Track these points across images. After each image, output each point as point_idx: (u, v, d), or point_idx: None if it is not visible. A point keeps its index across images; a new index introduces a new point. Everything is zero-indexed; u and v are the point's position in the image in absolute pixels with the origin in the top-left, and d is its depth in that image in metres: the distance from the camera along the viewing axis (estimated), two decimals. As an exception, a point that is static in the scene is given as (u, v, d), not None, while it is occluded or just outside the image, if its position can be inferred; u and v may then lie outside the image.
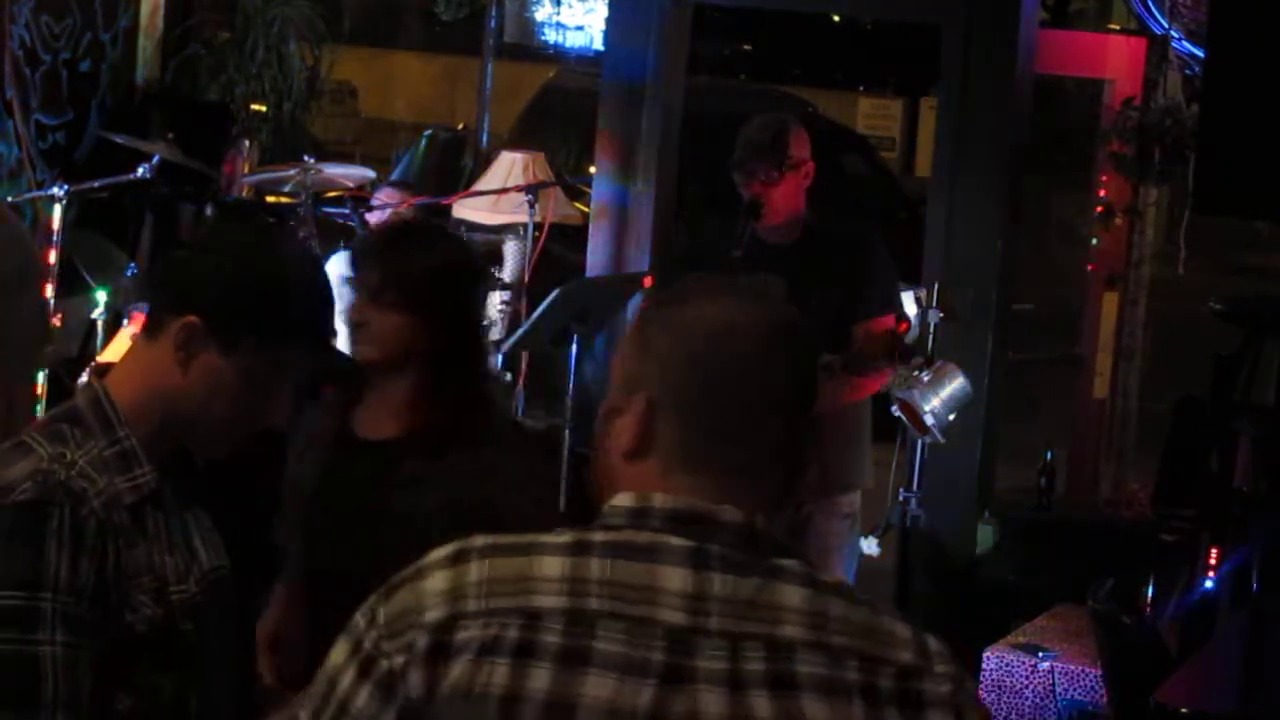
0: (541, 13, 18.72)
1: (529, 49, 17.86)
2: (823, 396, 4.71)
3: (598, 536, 1.76)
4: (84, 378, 5.93)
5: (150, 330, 2.39)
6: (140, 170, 6.40)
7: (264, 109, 8.03)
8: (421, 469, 3.12)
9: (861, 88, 20.68)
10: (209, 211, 7.49)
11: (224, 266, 2.38)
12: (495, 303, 6.99)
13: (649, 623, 1.70)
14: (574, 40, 18.45)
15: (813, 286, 4.80)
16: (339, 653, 1.78)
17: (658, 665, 1.69)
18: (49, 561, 2.20)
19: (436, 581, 1.75)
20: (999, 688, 5.49)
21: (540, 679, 1.68)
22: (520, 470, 3.23)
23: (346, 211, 7.41)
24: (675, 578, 1.72)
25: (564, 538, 1.76)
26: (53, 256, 6.29)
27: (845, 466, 4.91)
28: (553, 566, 1.73)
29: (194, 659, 2.35)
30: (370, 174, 7.10)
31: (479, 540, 1.78)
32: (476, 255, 3.24)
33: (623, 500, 1.78)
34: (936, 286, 6.51)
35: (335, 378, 2.84)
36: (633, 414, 1.82)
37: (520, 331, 6.26)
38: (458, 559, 1.76)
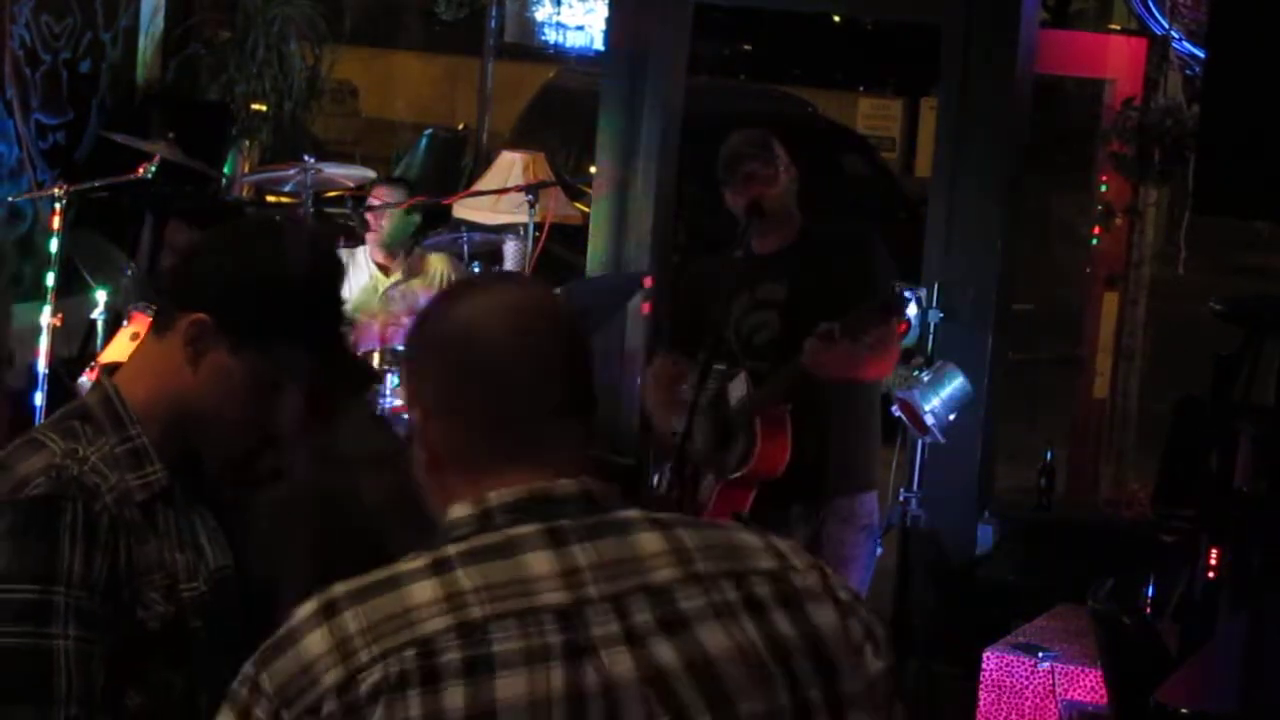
0: (541, 13, 18.72)
1: (529, 49, 17.86)
2: (825, 364, 4.71)
3: (451, 550, 1.76)
4: (84, 377, 5.94)
5: (159, 327, 2.39)
6: (140, 170, 6.41)
7: (264, 109, 8.03)
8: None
9: (861, 88, 20.68)
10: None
11: (233, 264, 2.38)
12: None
13: (534, 611, 1.72)
14: (574, 40, 18.45)
15: (811, 288, 4.81)
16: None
17: (557, 647, 1.70)
18: (62, 556, 2.22)
19: (316, 642, 1.72)
20: (999, 688, 5.50)
21: (455, 698, 1.68)
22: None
23: (347, 211, 7.42)
24: (541, 562, 1.74)
25: (419, 561, 1.76)
26: (53, 256, 6.28)
27: (860, 464, 4.93)
28: (424, 592, 1.73)
29: (204, 656, 2.36)
30: (370, 174, 7.10)
31: (339, 589, 1.75)
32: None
33: (460, 511, 1.79)
34: (936, 286, 6.54)
35: (347, 380, 2.84)
36: (417, 430, 1.86)
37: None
38: (328, 612, 1.74)
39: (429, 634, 1.70)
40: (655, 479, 5.17)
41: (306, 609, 1.75)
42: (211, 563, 2.43)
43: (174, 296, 2.40)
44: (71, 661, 2.19)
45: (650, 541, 1.78)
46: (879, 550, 6.23)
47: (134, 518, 2.31)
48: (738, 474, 4.77)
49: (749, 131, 4.96)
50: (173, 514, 2.38)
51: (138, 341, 2.46)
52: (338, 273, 2.48)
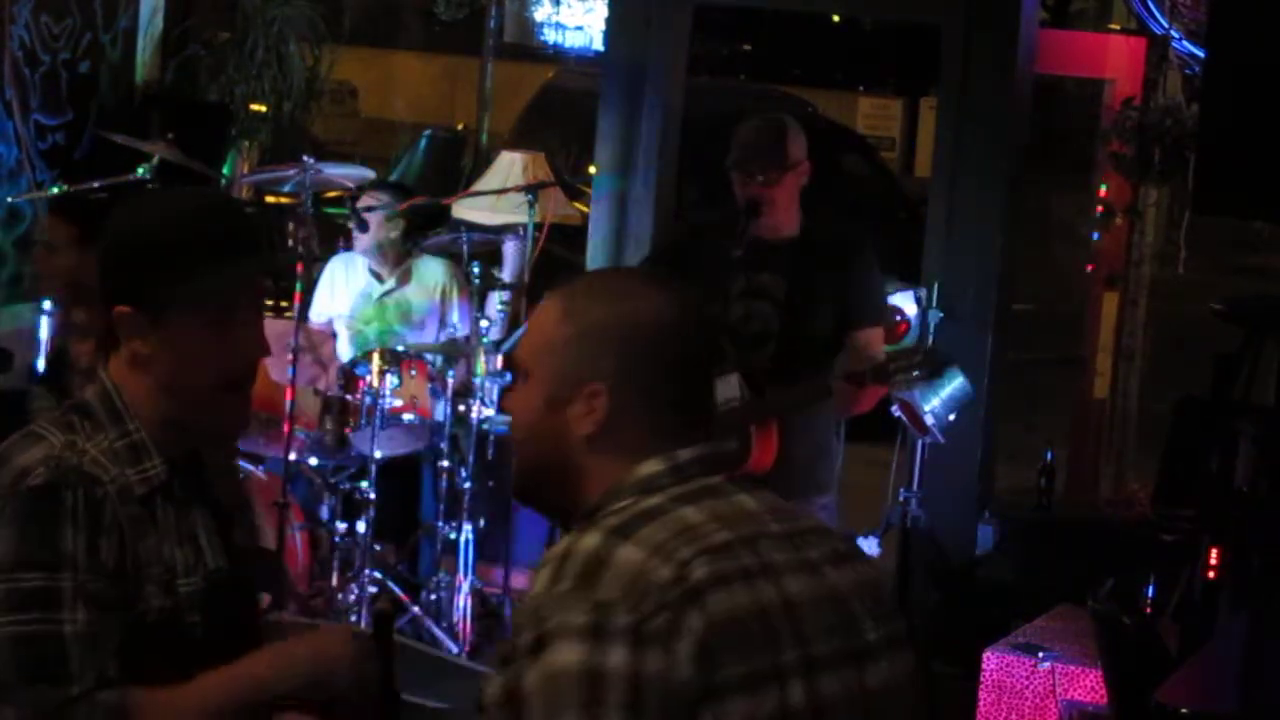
0: (541, 13, 18.71)
1: (529, 49, 17.85)
2: (850, 405, 4.76)
3: (664, 497, 2.04)
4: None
5: (109, 330, 2.43)
6: (140, 170, 6.40)
7: (264, 109, 8.02)
8: None
9: (861, 88, 20.68)
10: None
11: (112, 250, 2.42)
12: (495, 303, 7.00)
13: (770, 535, 2.05)
14: (574, 40, 18.44)
15: (809, 287, 4.81)
16: (572, 652, 1.90)
17: (795, 562, 2.04)
18: (66, 541, 2.25)
19: (631, 554, 1.96)
20: (999, 688, 5.49)
21: (767, 591, 1.98)
22: None
23: (346, 212, 7.41)
24: (747, 501, 2.08)
25: (651, 501, 2.03)
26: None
27: (818, 473, 4.95)
28: (691, 516, 2.01)
29: (200, 652, 2.38)
30: (370, 174, 7.09)
31: (611, 521, 2.00)
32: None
33: (653, 466, 2.06)
34: (936, 286, 6.54)
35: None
36: (591, 402, 2.08)
37: (520, 332, 6.26)
38: (620, 535, 1.98)
39: (720, 543, 2.00)
40: None
41: (587, 541, 1.98)
42: (210, 562, 2.45)
43: (100, 298, 2.43)
44: (83, 645, 2.23)
45: (765, 499, 2.12)
46: (878, 550, 6.23)
47: (134, 511, 2.33)
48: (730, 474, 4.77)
49: (765, 120, 4.93)
50: (172, 509, 2.40)
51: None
52: (212, 209, 2.47)
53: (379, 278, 6.76)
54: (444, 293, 6.75)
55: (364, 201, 6.76)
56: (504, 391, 6.20)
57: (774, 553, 2.03)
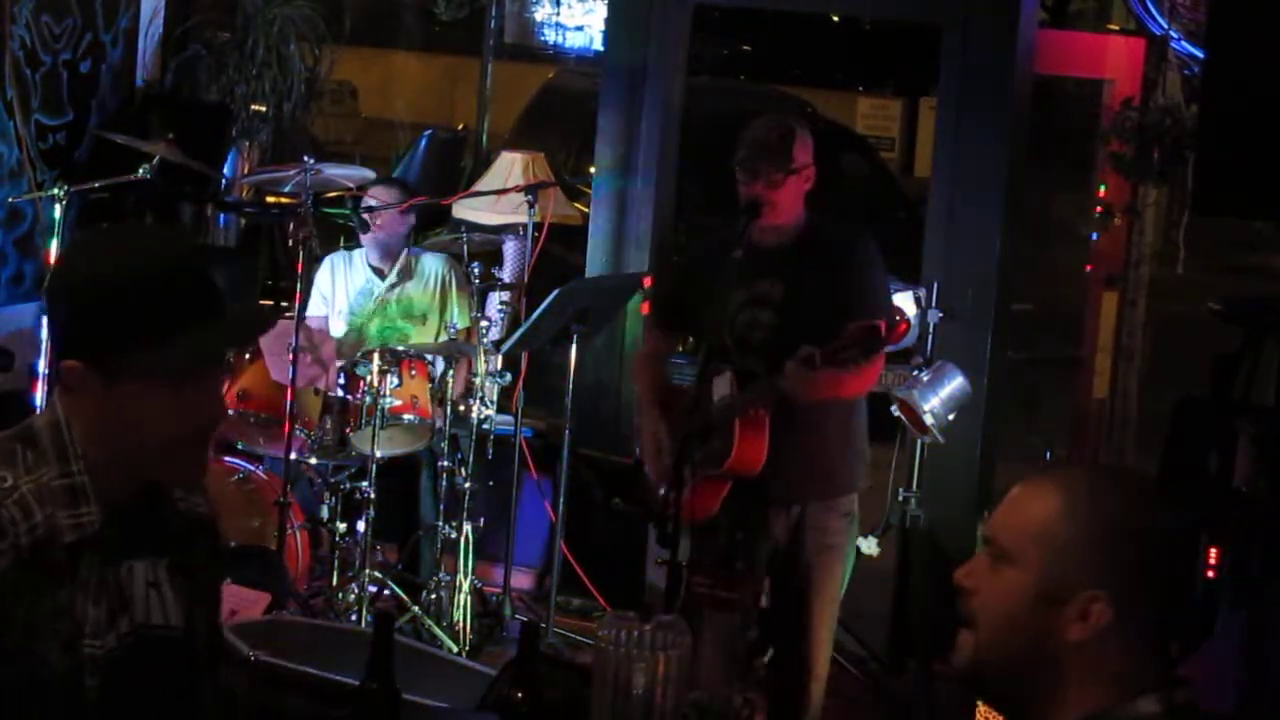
0: (541, 13, 18.71)
1: (529, 49, 17.85)
2: (803, 390, 4.67)
3: None
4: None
5: (58, 383, 2.31)
6: (140, 171, 6.40)
7: (264, 109, 8.03)
8: None
9: (861, 88, 20.67)
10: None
11: (66, 298, 2.28)
12: (495, 303, 7.00)
13: None
14: (574, 40, 18.43)
15: (810, 289, 4.80)
16: None
17: None
18: None
19: None
20: (999, 688, 5.49)
21: None
22: None
23: (346, 212, 7.41)
24: None
25: None
26: (53, 256, 6.29)
27: (843, 472, 4.90)
28: None
29: (96, 717, 2.26)
30: (370, 174, 7.09)
31: None
32: None
33: (1150, 706, 1.99)
34: (936, 286, 6.55)
35: (244, 335, 2.73)
36: (1089, 607, 2.00)
37: (520, 331, 6.26)
38: None
39: None
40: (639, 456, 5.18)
41: None
42: (137, 617, 2.33)
43: (55, 345, 2.32)
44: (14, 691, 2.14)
45: None
46: (878, 550, 6.23)
47: (54, 559, 2.22)
48: (714, 470, 4.76)
49: (774, 121, 4.92)
50: (98, 562, 2.27)
51: None
52: (162, 260, 2.32)
53: (380, 274, 6.76)
54: (444, 288, 6.75)
55: (372, 197, 6.76)
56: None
57: None
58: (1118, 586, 1.99)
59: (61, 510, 2.23)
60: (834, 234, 4.89)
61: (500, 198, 7.09)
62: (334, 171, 6.69)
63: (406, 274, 6.75)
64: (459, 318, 6.60)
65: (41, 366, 6.23)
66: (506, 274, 7.35)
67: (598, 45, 15.79)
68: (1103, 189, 7.78)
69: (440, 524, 6.36)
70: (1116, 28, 9.49)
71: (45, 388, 6.17)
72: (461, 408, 6.29)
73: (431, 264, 6.78)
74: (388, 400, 6.09)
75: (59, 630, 2.22)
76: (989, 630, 2.06)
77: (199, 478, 2.42)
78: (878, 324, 4.46)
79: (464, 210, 7.46)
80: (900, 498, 6.33)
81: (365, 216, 6.73)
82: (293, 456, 6.05)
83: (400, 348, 6.32)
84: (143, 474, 2.32)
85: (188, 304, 2.29)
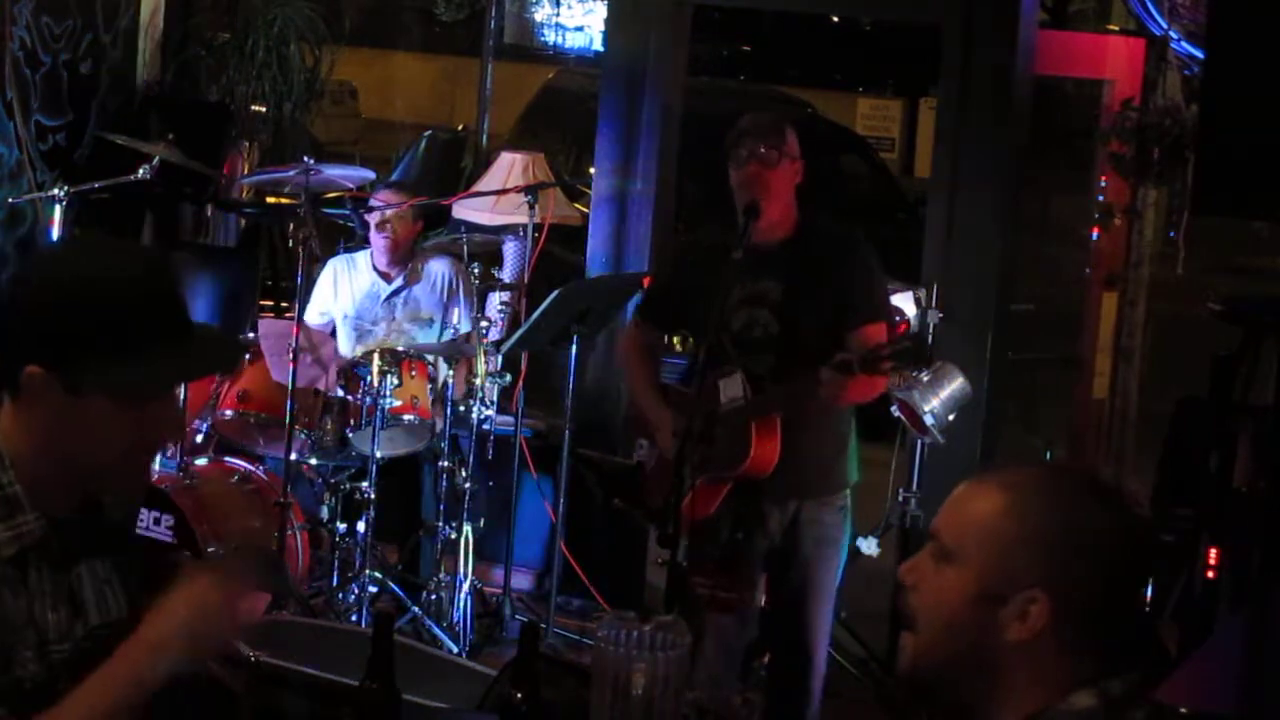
0: (541, 13, 18.72)
1: (529, 49, 17.86)
2: (838, 394, 4.68)
3: None
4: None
5: (6, 387, 2.27)
6: (140, 171, 6.40)
7: (264, 110, 8.03)
8: None
9: (861, 88, 20.69)
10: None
11: (36, 303, 2.24)
12: (495, 303, 7.00)
13: None
14: (574, 41, 18.45)
15: (806, 286, 4.81)
16: None
17: None
18: None
19: None
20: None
21: None
22: None
23: (346, 212, 7.41)
24: None
25: None
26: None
27: (836, 470, 4.93)
28: None
29: None
30: (370, 175, 7.09)
31: None
32: None
33: (1085, 700, 1.98)
34: (936, 287, 6.54)
35: (214, 365, 2.70)
36: (1027, 608, 1.99)
37: (520, 332, 6.26)
38: None
39: None
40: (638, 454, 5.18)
41: None
42: (93, 619, 2.32)
43: (9, 352, 2.25)
44: None
45: None
46: (877, 551, 6.24)
47: (3, 571, 2.20)
48: (728, 472, 4.77)
49: (763, 116, 4.95)
50: (47, 569, 2.25)
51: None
52: (128, 275, 2.30)
53: (386, 277, 6.76)
54: (449, 290, 6.75)
55: (380, 200, 6.76)
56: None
57: None
58: (1057, 587, 1.98)
59: None
60: (829, 234, 4.90)
61: (500, 198, 7.09)
62: (334, 172, 6.69)
63: (413, 277, 6.75)
64: (464, 323, 6.60)
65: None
66: (506, 274, 7.36)
67: (598, 45, 15.80)
68: (1103, 189, 7.78)
69: (440, 524, 6.36)
70: (1116, 28, 9.49)
71: None
72: (461, 408, 6.30)
73: (437, 267, 6.77)
74: (388, 400, 6.09)
75: (29, 638, 2.21)
76: (928, 630, 2.05)
77: (140, 491, 2.41)
78: (896, 329, 4.51)
79: (464, 210, 7.46)
80: (900, 498, 6.33)
81: (368, 219, 6.73)
82: (293, 457, 6.06)
83: (400, 348, 6.32)
84: (87, 484, 2.30)
85: (161, 322, 2.27)
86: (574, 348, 6.25)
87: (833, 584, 4.94)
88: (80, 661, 2.26)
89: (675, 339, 5.36)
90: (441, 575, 6.32)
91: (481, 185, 7.39)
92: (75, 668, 2.25)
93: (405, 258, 6.74)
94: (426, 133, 12.19)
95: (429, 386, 6.26)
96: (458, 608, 6.22)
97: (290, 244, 7.80)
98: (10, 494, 2.22)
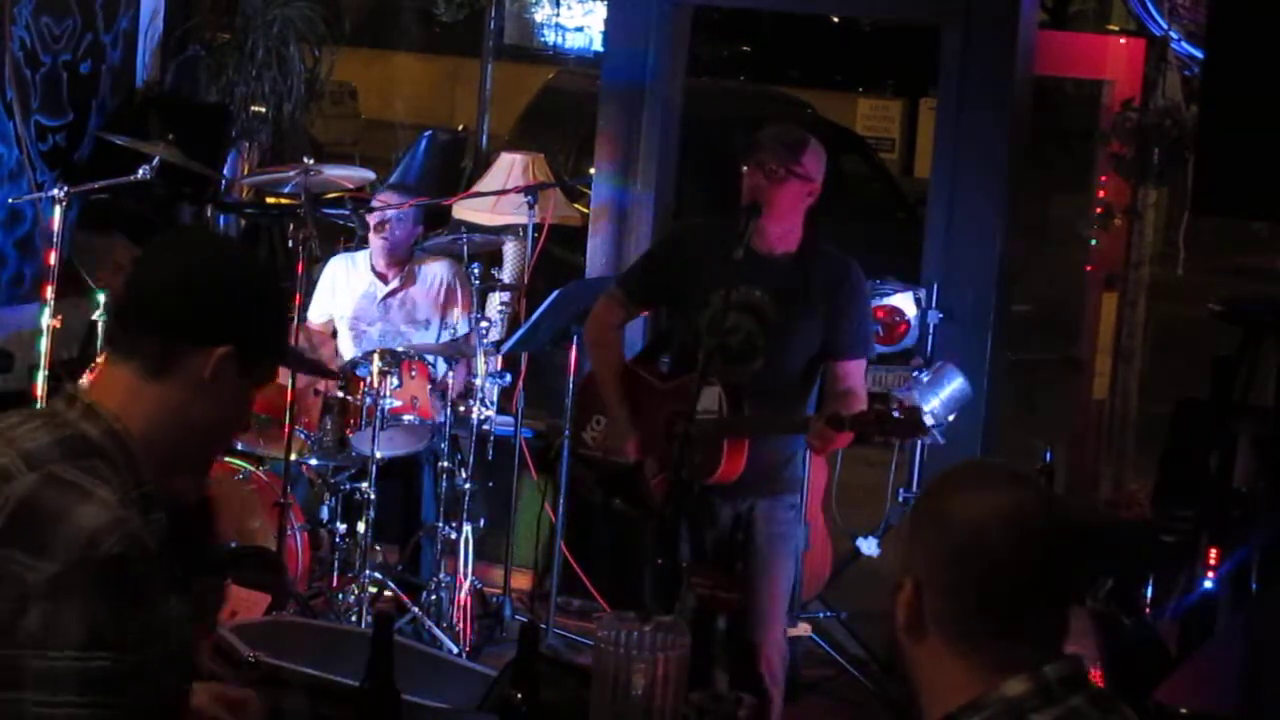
0: (541, 14, 18.73)
1: (529, 50, 17.87)
2: (823, 444, 4.73)
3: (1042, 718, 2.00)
4: (85, 379, 5.93)
5: (158, 369, 2.30)
6: (140, 172, 6.40)
7: (264, 110, 8.03)
8: None
9: (860, 89, 20.68)
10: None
11: (238, 287, 2.35)
12: (495, 303, 7.00)
13: None
14: (574, 41, 18.46)
15: (798, 308, 4.82)
16: None
17: None
18: (135, 620, 2.15)
19: None
20: (999, 688, 5.49)
21: None
22: None
23: (346, 213, 7.41)
24: None
25: None
26: (53, 257, 6.29)
27: (793, 471, 5.01)
28: None
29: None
30: (370, 175, 7.09)
31: None
32: None
33: (1018, 686, 2.00)
34: (935, 287, 6.55)
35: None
36: (904, 594, 2.06)
37: (520, 332, 6.26)
38: None
39: None
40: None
41: None
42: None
43: (178, 333, 2.30)
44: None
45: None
46: (878, 551, 6.24)
47: (157, 561, 2.24)
48: (697, 479, 4.80)
49: (794, 127, 4.95)
50: (171, 565, 2.30)
51: (116, 378, 2.33)
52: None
53: (383, 279, 6.76)
54: (447, 291, 6.75)
55: (381, 202, 6.76)
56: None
57: None
58: (924, 571, 2.04)
59: (141, 520, 2.24)
60: (829, 260, 4.91)
61: (500, 199, 7.09)
62: (334, 172, 6.68)
63: (410, 279, 6.75)
64: (462, 325, 6.60)
65: (41, 368, 6.23)
66: (506, 275, 7.35)
67: (598, 46, 15.80)
68: (1103, 189, 7.78)
69: (440, 525, 6.36)
70: (1116, 28, 9.50)
71: (45, 387, 6.18)
72: (461, 408, 6.30)
73: (435, 268, 6.77)
74: (388, 401, 6.09)
75: (186, 633, 2.30)
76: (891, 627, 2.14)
77: (193, 498, 2.45)
78: (902, 411, 4.58)
79: (464, 211, 7.46)
80: (900, 498, 6.33)
81: (368, 220, 6.73)
82: (293, 457, 6.06)
83: (400, 348, 6.32)
84: (187, 467, 2.37)
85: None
86: (574, 348, 6.25)
87: (787, 582, 5.03)
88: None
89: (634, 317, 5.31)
90: (441, 576, 6.32)
91: (481, 186, 7.39)
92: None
93: (403, 260, 6.74)
94: (426, 133, 12.18)
95: (429, 387, 6.26)
96: (458, 608, 6.22)
97: (290, 244, 7.79)
98: (149, 492, 2.28)
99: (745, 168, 4.80)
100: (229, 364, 2.30)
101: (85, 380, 5.96)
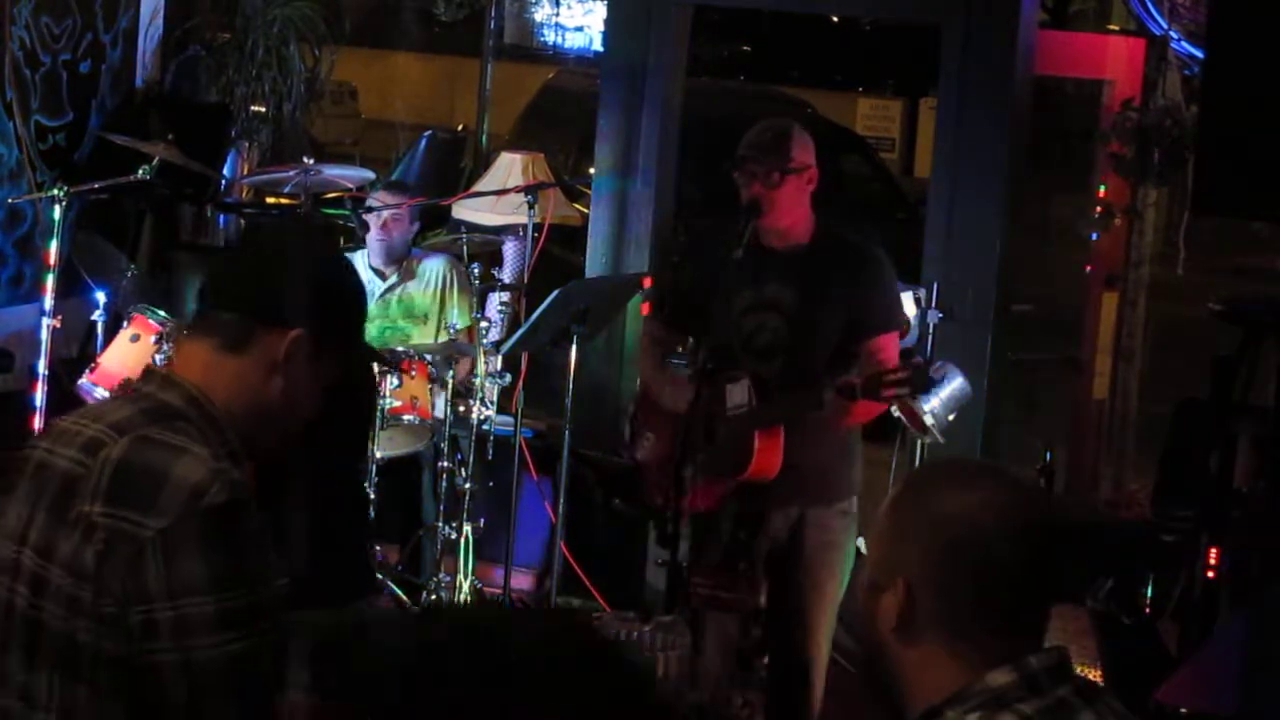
0: (541, 14, 18.73)
1: (529, 50, 17.88)
2: (839, 417, 4.69)
3: (1028, 708, 1.99)
4: (84, 379, 5.93)
5: (234, 344, 2.42)
6: (140, 171, 6.40)
7: (264, 110, 8.03)
8: None
9: (860, 88, 20.69)
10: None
11: (319, 278, 2.49)
12: (495, 303, 7.00)
13: None
14: (573, 41, 18.46)
15: (819, 295, 4.78)
16: None
17: None
18: (250, 559, 2.28)
19: None
20: (999, 688, 5.48)
21: None
22: None
23: (346, 212, 7.41)
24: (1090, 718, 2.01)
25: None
26: (53, 257, 6.29)
27: (843, 476, 4.91)
28: None
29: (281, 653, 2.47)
30: (370, 175, 7.09)
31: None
32: None
33: (1001, 678, 2.00)
34: (936, 286, 6.55)
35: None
36: (894, 595, 2.03)
37: (520, 332, 6.26)
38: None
39: None
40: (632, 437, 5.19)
41: None
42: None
43: (259, 313, 2.43)
44: (274, 655, 2.32)
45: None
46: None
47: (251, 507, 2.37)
48: (729, 478, 4.76)
49: (771, 123, 4.90)
50: (260, 519, 2.42)
51: (194, 353, 2.46)
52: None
53: (381, 275, 6.76)
54: (445, 288, 6.75)
55: (378, 200, 6.76)
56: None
57: None
58: (918, 572, 2.02)
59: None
60: (848, 242, 4.86)
61: (500, 198, 7.09)
62: (334, 172, 6.69)
63: (408, 275, 6.75)
64: (459, 318, 6.59)
65: (41, 368, 6.23)
66: (506, 274, 7.35)
67: (598, 45, 15.81)
68: (1103, 189, 7.78)
69: (440, 524, 6.36)
70: (1116, 28, 9.50)
71: (45, 387, 6.17)
72: (461, 408, 6.29)
73: (432, 264, 6.78)
74: (388, 401, 6.09)
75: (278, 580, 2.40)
76: (860, 625, 2.14)
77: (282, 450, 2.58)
78: (922, 363, 4.52)
79: (464, 211, 7.46)
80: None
81: (368, 219, 6.73)
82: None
83: (400, 348, 6.32)
84: (260, 447, 2.47)
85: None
86: (574, 348, 6.24)
87: (836, 590, 4.91)
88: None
89: (681, 345, 5.35)
90: (441, 575, 6.32)
91: (481, 185, 7.39)
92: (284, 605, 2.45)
93: (400, 256, 6.74)
94: (426, 133, 12.19)
95: (429, 386, 6.26)
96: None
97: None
98: (236, 450, 2.38)
99: (737, 177, 4.77)
100: (301, 347, 2.41)
101: (87, 379, 5.97)
